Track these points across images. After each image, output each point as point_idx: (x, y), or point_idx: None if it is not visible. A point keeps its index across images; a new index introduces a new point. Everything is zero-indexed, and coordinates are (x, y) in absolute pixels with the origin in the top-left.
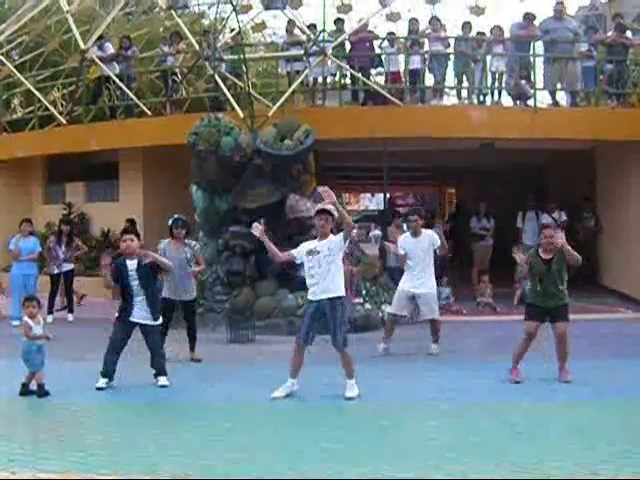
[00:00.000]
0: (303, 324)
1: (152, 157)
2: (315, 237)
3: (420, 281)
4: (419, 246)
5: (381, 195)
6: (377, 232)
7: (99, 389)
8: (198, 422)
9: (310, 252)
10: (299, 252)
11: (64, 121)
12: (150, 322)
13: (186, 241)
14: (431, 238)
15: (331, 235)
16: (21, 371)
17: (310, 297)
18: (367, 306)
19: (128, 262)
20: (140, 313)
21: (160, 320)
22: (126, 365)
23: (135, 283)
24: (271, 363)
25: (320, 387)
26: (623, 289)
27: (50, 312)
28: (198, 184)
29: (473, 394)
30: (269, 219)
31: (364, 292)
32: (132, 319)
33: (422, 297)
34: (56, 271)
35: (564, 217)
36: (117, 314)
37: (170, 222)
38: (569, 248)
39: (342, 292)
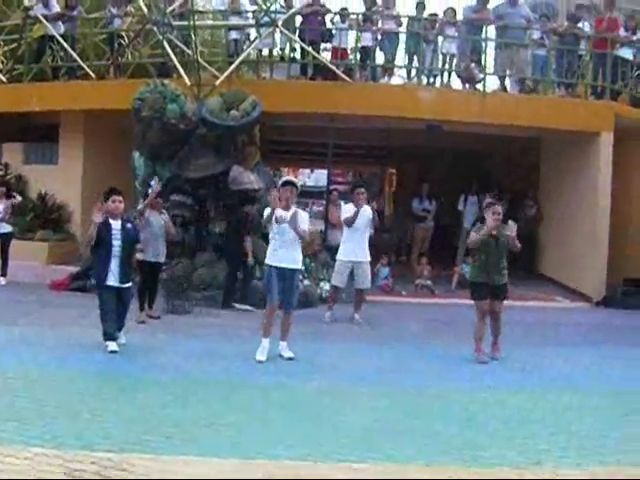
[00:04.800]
0: (271, 292)
1: (94, 121)
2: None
3: (359, 251)
4: (361, 217)
5: (320, 171)
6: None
7: (113, 352)
8: (136, 394)
9: (277, 219)
10: (267, 216)
11: (4, 79)
12: (124, 285)
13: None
14: (370, 213)
15: (293, 206)
16: None
17: (273, 262)
18: (306, 282)
19: (112, 222)
20: (115, 277)
21: (131, 283)
22: (65, 334)
23: (117, 244)
24: (210, 336)
25: (262, 365)
26: (561, 278)
27: None
28: (141, 151)
29: (412, 377)
30: (212, 189)
31: (303, 268)
32: (109, 283)
33: (360, 266)
34: None
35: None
36: (94, 280)
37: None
38: (514, 237)
39: (301, 265)
